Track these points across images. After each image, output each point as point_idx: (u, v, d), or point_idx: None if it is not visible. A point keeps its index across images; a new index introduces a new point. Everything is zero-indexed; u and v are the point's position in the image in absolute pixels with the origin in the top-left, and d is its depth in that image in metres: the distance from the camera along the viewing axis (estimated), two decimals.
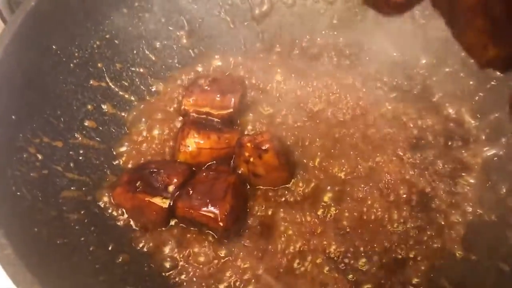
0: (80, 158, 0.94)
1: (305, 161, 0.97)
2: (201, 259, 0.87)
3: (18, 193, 0.76)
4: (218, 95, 1.03)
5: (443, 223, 0.90)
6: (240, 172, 0.95)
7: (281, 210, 0.92)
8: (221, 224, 0.86)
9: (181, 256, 0.88)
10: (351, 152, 0.97)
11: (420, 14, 1.11)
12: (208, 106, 1.03)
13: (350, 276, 0.85)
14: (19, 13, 0.89)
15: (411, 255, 0.86)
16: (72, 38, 0.99)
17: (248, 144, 0.91)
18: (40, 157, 0.86)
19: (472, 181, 0.95)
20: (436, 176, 0.95)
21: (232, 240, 0.89)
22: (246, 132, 1.02)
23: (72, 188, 0.89)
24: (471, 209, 0.91)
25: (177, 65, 1.15)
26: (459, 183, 0.95)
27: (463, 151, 0.99)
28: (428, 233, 0.89)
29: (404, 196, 0.92)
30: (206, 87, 1.04)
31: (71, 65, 0.99)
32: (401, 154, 0.98)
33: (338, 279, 0.84)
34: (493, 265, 0.82)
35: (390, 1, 0.58)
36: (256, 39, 1.20)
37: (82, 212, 0.87)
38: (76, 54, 1.00)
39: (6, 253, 0.62)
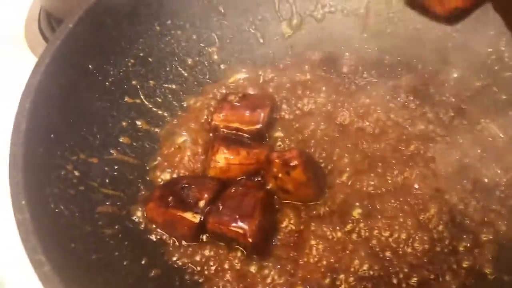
0: (115, 173, 0.97)
1: (334, 176, 0.97)
2: (232, 274, 0.89)
3: (56, 210, 0.80)
4: (248, 111, 1.05)
5: (474, 241, 0.88)
6: (268, 187, 0.96)
7: (311, 225, 0.92)
8: (250, 240, 0.87)
9: (211, 271, 0.89)
10: (380, 166, 0.97)
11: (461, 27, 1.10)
12: (237, 122, 1.04)
13: None
14: (59, 34, 0.93)
15: (441, 275, 0.85)
16: (107, 57, 1.03)
17: (277, 161, 0.92)
18: (77, 173, 0.89)
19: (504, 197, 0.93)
20: (468, 193, 0.93)
21: (262, 255, 0.90)
22: (275, 148, 1.03)
23: (107, 203, 0.92)
24: (504, 228, 0.89)
25: (208, 80, 1.17)
26: (492, 200, 0.93)
27: (495, 166, 0.97)
28: (460, 251, 0.88)
29: (435, 212, 0.91)
30: (236, 103, 1.06)
31: (107, 83, 1.02)
32: (433, 168, 0.97)
33: None
34: None
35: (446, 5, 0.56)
36: (286, 54, 1.22)
37: (116, 227, 0.90)
38: (112, 73, 1.03)
39: (44, 270, 0.65)
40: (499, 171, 0.96)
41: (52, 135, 0.87)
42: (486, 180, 0.95)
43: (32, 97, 0.85)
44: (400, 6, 1.16)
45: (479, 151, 0.98)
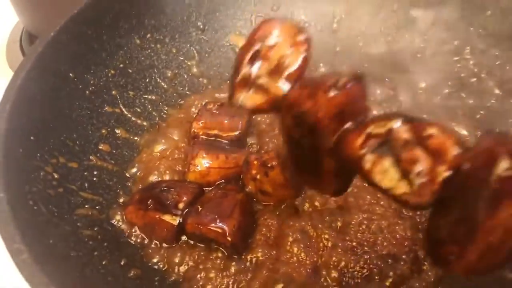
0: (94, 179, 0.98)
1: None
2: (211, 274, 0.89)
3: (35, 208, 0.79)
4: (227, 118, 1.07)
5: None
6: (247, 190, 0.97)
7: (289, 225, 0.93)
8: (229, 239, 0.88)
9: (191, 271, 0.90)
10: None
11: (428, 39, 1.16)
12: (217, 129, 1.07)
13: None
14: (40, 42, 0.95)
15: (421, 267, 0.87)
16: (88, 67, 1.05)
17: (255, 162, 0.95)
18: (56, 176, 0.90)
19: None
20: None
21: (241, 255, 0.90)
22: (253, 152, 1.05)
23: (86, 206, 0.92)
24: None
25: (187, 92, 1.20)
26: None
27: None
28: None
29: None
30: (215, 111, 1.09)
31: (87, 92, 1.04)
32: None
33: None
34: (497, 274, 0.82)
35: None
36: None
37: (95, 229, 0.90)
38: (92, 82, 1.06)
39: (23, 258, 0.65)
40: None
41: (31, 137, 0.88)
42: None
43: (13, 99, 0.86)
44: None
45: None
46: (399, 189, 0.55)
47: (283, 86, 0.67)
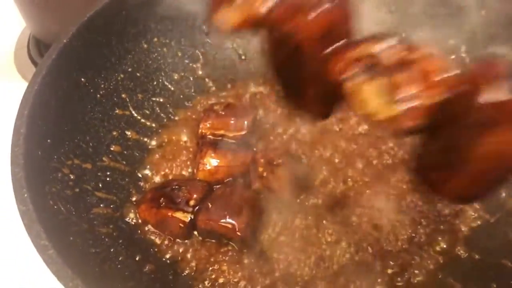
0: (108, 179, 1.02)
1: (316, 172, 1.04)
2: (224, 267, 0.93)
3: (55, 207, 0.84)
4: (233, 119, 1.11)
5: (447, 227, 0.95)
6: (255, 187, 1.01)
7: (294, 221, 0.98)
8: (239, 233, 0.92)
9: (204, 265, 0.94)
10: (359, 163, 1.04)
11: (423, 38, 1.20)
12: (223, 129, 1.11)
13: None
14: (53, 49, 0.99)
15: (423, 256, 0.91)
16: (98, 72, 1.09)
17: (262, 160, 0.99)
18: (72, 177, 0.94)
19: None
20: None
21: (252, 249, 0.95)
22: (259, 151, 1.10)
23: (101, 205, 0.96)
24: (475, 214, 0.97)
25: (193, 94, 1.24)
26: None
27: None
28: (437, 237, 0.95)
29: (411, 202, 0.98)
30: (221, 112, 1.13)
31: (98, 95, 1.08)
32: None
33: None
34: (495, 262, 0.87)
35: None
36: (266, 69, 1.29)
37: (110, 227, 0.94)
38: (102, 86, 1.09)
39: (49, 253, 0.69)
40: None
41: (49, 140, 0.92)
42: None
43: (30, 105, 0.89)
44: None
45: None
46: (385, 113, 0.53)
47: (264, 3, 0.62)
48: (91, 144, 1.03)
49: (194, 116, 1.19)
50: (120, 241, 0.93)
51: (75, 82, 1.04)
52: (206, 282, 0.91)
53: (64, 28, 1.03)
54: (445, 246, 0.92)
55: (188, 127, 1.17)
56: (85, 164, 0.99)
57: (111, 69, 1.13)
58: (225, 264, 0.93)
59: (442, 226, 0.95)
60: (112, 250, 0.90)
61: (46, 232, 0.72)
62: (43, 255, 0.69)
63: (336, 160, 1.05)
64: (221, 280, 0.92)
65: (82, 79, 1.05)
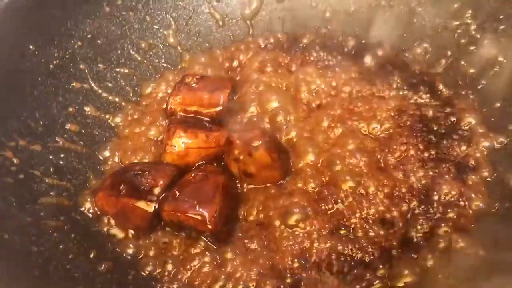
0: (61, 162, 0.90)
1: (298, 156, 0.91)
2: (193, 264, 0.81)
3: None
4: (206, 93, 0.98)
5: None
6: (230, 171, 0.89)
7: (275, 207, 0.85)
8: (209, 226, 0.80)
9: (169, 263, 0.82)
10: (346, 144, 0.92)
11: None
12: (196, 105, 0.98)
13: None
14: None
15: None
16: (51, 38, 0.96)
17: (238, 141, 0.86)
18: (15, 161, 0.81)
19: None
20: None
21: (224, 243, 0.83)
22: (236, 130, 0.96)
23: (51, 193, 0.84)
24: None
25: (164, 64, 1.11)
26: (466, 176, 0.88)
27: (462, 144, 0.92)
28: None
29: (407, 189, 0.86)
30: (194, 85, 1.00)
31: (51, 66, 0.95)
32: (405, 141, 0.92)
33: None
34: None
35: None
36: (246, 35, 1.16)
37: (61, 218, 0.82)
38: (56, 55, 0.96)
39: None
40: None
41: None
42: None
43: None
44: None
45: None
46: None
47: None
48: (41, 122, 0.90)
49: (163, 90, 1.06)
50: (72, 235, 0.81)
51: (22, 50, 0.90)
52: (174, 286, 0.79)
53: None
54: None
55: (156, 102, 1.04)
56: (33, 145, 0.87)
57: (67, 35, 0.99)
58: (193, 263, 0.81)
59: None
60: (61, 246, 0.78)
61: None
62: None
63: (323, 146, 0.92)
64: (188, 282, 0.80)
65: (31, 46, 0.91)
